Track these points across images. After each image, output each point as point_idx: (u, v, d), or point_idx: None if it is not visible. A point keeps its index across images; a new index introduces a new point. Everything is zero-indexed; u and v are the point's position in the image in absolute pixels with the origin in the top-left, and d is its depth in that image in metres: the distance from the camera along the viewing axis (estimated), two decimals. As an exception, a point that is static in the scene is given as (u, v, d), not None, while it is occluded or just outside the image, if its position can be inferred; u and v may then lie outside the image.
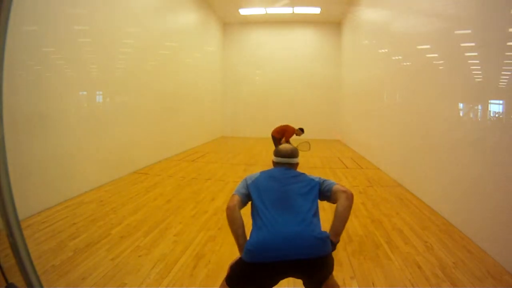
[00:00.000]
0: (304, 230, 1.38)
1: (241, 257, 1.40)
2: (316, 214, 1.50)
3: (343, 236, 2.88)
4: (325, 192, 1.58)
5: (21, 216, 1.20)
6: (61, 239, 2.68)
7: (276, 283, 1.40)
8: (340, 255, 2.52)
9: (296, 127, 6.58)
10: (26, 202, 3.14)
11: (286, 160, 1.74)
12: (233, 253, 2.52)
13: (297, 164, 1.79)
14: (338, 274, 2.22)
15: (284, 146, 1.82)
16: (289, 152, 1.76)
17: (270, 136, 6.85)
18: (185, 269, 2.26)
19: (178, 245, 2.64)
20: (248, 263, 1.35)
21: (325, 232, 1.45)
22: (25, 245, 1.06)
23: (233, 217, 1.48)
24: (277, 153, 1.78)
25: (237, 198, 1.53)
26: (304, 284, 1.48)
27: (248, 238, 1.45)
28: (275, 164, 1.77)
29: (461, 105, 3.34)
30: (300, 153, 1.87)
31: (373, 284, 2.11)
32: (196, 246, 2.64)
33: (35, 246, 2.51)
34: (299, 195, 1.53)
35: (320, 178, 1.66)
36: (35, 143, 3.33)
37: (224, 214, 1.56)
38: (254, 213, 1.50)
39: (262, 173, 1.68)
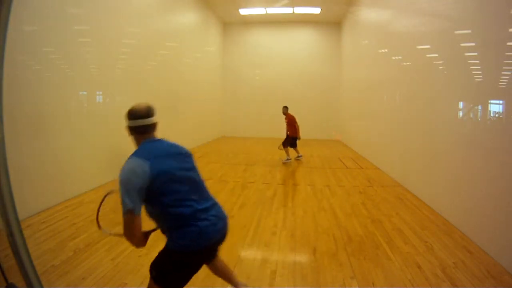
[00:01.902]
0: (221, 211, 1.54)
1: (176, 250, 1.39)
2: None
3: (343, 236, 2.89)
4: None
5: (21, 216, 1.20)
6: (61, 239, 2.69)
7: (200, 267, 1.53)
8: (340, 255, 2.52)
9: (296, 127, 6.61)
10: (26, 202, 3.14)
11: (148, 120, 1.44)
12: (232, 253, 2.53)
13: (157, 123, 1.51)
14: (338, 274, 2.22)
15: (137, 105, 1.47)
16: (147, 110, 1.45)
17: (269, 136, 6.88)
18: (185, 269, 2.26)
19: (178, 245, 2.64)
20: (187, 252, 1.39)
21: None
22: (25, 245, 1.06)
23: (139, 241, 1.38)
24: (133, 115, 1.44)
25: (138, 219, 1.30)
26: (206, 262, 1.65)
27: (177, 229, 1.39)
28: (135, 128, 1.45)
29: (461, 105, 3.34)
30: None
31: (373, 284, 2.11)
32: (196, 246, 2.63)
33: (35, 246, 2.51)
34: (194, 172, 1.51)
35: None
36: (35, 143, 3.33)
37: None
38: (175, 204, 1.37)
39: (149, 157, 1.35)
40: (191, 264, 1.45)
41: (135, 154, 1.37)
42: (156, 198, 1.34)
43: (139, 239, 1.36)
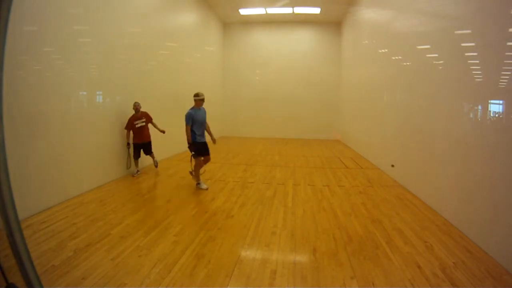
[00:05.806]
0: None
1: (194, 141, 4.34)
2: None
3: (343, 236, 2.89)
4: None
5: (21, 216, 1.20)
6: (61, 239, 2.69)
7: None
8: (340, 255, 2.52)
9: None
10: (26, 202, 3.15)
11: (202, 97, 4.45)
12: (232, 253, 2.54)
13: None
14: (338, 274, 2.22)
15: (200, 91, 4.48)
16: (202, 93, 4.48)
17: (269, 136, 6.81)
18: (185, 269, 2.27)
19: (178, 245, 2.64)
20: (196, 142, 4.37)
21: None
22: (25, 245, 1.05)
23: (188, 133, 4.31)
24: (196, 95, 4.43)
25: (188, 128, 4.29)
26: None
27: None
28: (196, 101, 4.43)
29: (461, 105, 3.34)
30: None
31: (373, 284, 2.11)
32: (196, 246, 2.64)
33: (35, 246, 2.51)
34: (205, 121, 4.48)
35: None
36: (35, 143, 3.33)
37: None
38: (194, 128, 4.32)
39: (194, 111, 4.34)
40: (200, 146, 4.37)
41: (190, 108, 4.38)
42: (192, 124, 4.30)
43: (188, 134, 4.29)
